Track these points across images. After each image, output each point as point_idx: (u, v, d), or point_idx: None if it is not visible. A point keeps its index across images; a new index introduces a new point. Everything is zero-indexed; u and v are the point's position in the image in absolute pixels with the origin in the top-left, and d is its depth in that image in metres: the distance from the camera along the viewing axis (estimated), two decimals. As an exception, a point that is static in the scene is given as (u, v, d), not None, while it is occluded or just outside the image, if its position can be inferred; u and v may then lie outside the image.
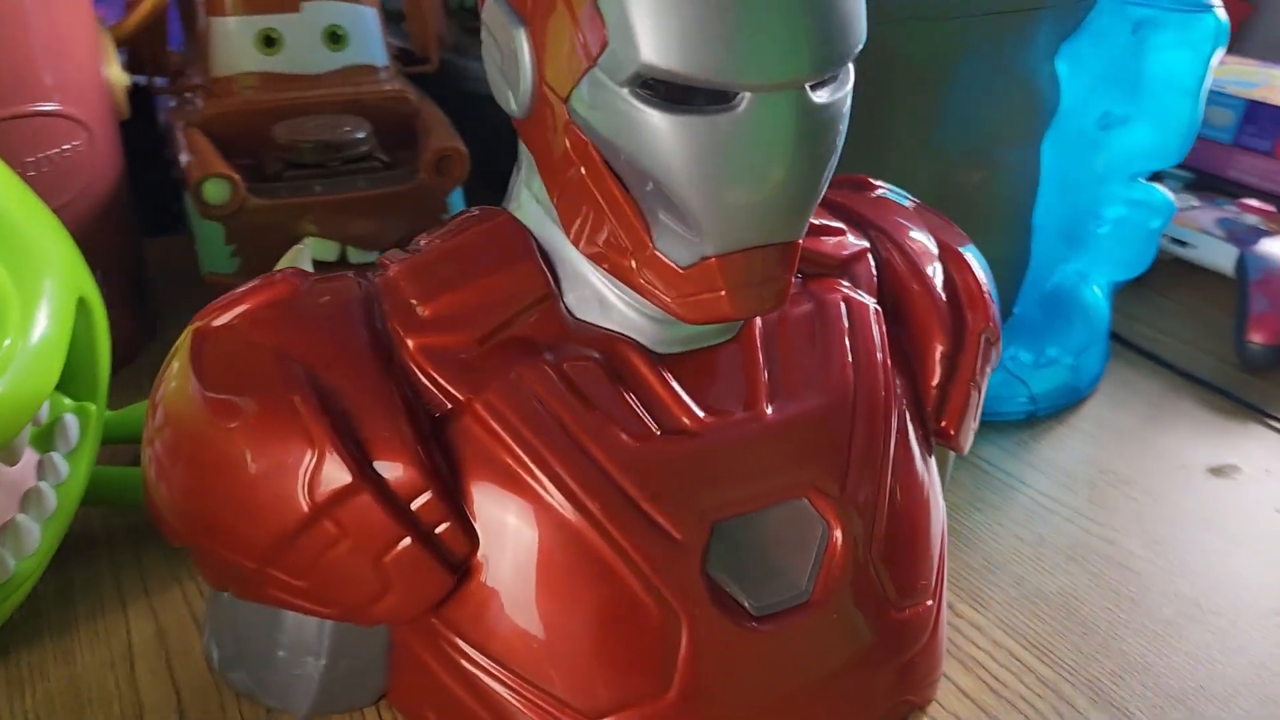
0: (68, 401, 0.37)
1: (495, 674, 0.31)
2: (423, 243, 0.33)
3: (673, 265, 0.28)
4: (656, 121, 0.26)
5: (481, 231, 0.32)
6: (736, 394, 0.32)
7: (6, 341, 0.32)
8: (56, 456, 0.36)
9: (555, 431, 0.30)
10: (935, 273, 0.37)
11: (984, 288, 0.37)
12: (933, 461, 0.36)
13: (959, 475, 0.47)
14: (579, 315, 0.32)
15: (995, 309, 0.37)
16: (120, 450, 0.46)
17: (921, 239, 0.37)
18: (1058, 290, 0.52)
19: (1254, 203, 0.61)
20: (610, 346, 0.31)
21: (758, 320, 0.33)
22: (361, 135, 0.55)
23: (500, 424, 0.30)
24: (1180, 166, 0.54)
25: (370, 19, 0.59)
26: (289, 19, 0.57)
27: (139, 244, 0.56)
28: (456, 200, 0.57)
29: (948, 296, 0.36)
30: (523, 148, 0.32)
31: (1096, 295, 0.51)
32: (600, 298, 0.31)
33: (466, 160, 0.55)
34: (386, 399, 0.30)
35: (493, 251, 0.32)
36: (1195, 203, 0.61)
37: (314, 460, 0.28)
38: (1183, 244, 0.61)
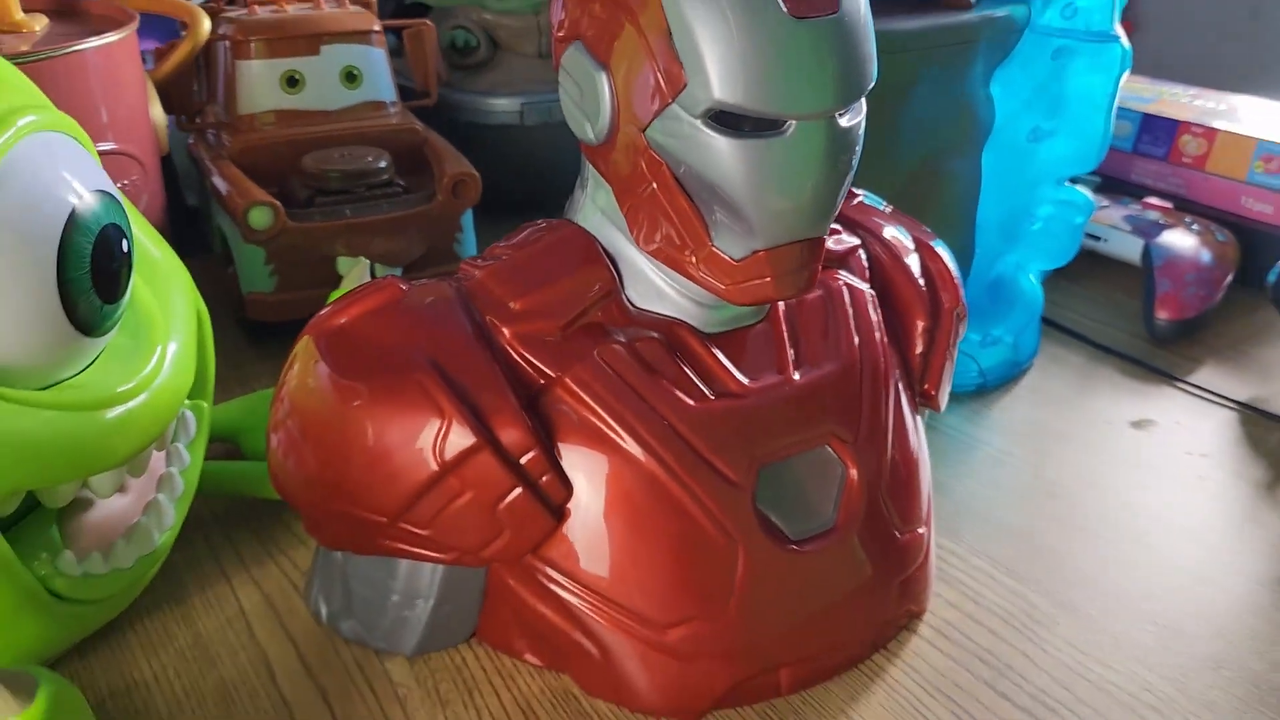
0: (186, 400, 0.42)
1: (583, 596, 0.38)
2: (499, 252, 0.40)
3: (727, 258, 0.36)
4: (722, 145, 0.33)
5: (555, 240, 0.39)
6: (770, 363, 0.39)
7: (158, 348, 0.37)
8: (180, 446, 0.41)
9: (632, 398, 0.37)
10: (913, 262, 0.45)
11: (953, 273, 0.45)
12: (920, 418, 0.44)
13: (927, 438, 0.55)
14: (639, 305, 0.39)
15: (962, 290, 0.45)
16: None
17: (900, 235, 0.45)
18: (999, 279, 0.60)
19: (1155, 201, 0.71)
20: (667, 328, 0.38)
21: (781, 304, 0.41)
22: (383, 164, 0.61)
23: (588, 394, 0.37)
24: (1090, 172, 0.63)
25: (381, 60, 0.65)
26: (310, 61, 0.63)
27: (176, 268, 0.62)
28: (468, 219, 0.63)
29: (925, 282, 0.44)
30: (588, 168, 0.39)
31: (1032, 283, 0.60)
32: (657, 289, 0.38)
33: (479, 183, 0.62)
34: (494, 376, 0.36)
35: (567, 255, 0.39)
36: (1104, 202, 0.71)
37: (444, 427, 0.35)
38: (1095, 238, 0.70)
